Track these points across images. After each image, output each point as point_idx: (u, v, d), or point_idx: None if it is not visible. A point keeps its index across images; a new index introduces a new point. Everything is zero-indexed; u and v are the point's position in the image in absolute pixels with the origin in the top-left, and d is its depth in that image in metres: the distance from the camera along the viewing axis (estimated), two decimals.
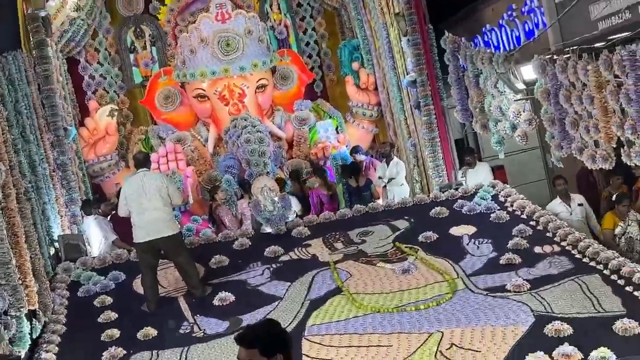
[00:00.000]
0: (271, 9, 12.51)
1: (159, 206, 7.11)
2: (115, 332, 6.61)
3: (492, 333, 5.74)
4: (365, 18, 11.39)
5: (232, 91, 11.22)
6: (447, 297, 6.46)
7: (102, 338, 6.53)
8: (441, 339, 5.79)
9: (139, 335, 6.50)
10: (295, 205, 9.55)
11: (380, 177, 10.27)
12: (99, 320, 6.94)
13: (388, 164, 10.25)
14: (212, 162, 11.22)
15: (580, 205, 8.27)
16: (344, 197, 10.10)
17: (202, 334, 6.47)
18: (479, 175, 9.35)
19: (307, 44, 12.76)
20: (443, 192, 9.00)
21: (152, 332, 6.54)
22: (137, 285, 7.52)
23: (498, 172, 10.10)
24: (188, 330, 6.57)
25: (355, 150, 11.02)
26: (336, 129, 11.72)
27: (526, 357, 5.28)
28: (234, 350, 3.00)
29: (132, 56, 12.14)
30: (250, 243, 8.30)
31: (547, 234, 7.53)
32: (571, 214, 8.17)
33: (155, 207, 7.10)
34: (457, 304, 6.37)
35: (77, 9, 10.03)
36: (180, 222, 9.17)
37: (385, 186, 10.04)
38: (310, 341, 6.04)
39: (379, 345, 5.85)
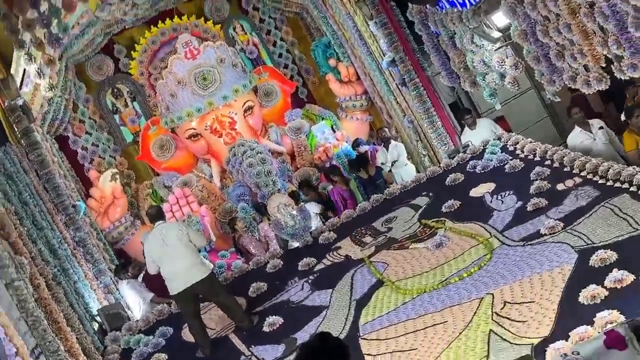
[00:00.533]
0: (236, 32, 12.53)
1: (184, 254, 7.10)
2: None
3: (540, 281, 5.69)
4: (328, 14, 11.36)
5: (221, 122, 11.22)
6: (486, 259, 6.41)
7: None
8: (493, 300, 5.75)
9: None
10: (315, 208, 9.55)
11: (382, 164, 10.26)
12: None
13: (387, 148, 10.25)
14: (222, 195, 11.22)
15: (600, 128, 8.06)
16: (359, 190, 10.09)
17: None
18: (483, 132, 9.30)
19: (280, 55, 12.76)
20: (452, 158, 8.96)
21: None
22: (187, 335, 7.50)
23: (499, 123, 10.07)
24: None
25: (356, 143, 11.03)
26: (332, 128, 11.71)
27: (580, 293, 5.24)
28: None
29: (116, 117, 12.17)
30: (282, 262, 8.32)
31: (565, 169, 7.45)
32: (594, 139, 8.01)
33: (181, 256, 7.09)
34: (498, 262, 6.32)
35: (51, 87, 10.04)
36: (209, 262, 9.17)
37: (390, 170, 10.02)
38: (368, 339, 6.02)
39: (434, 325, 5.82)
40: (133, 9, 11.16)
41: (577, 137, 8.11)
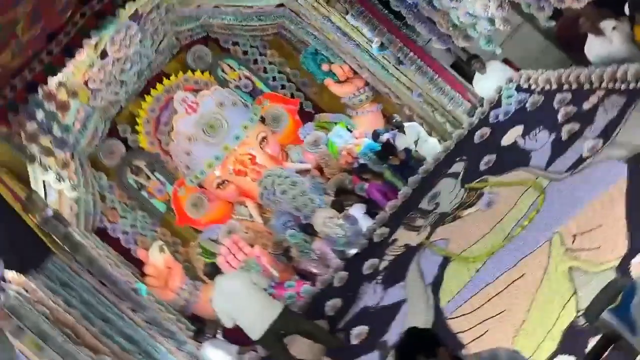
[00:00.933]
0: (225, 73, 12.58)
1: (253, 299, 7.10)
2: None
3: (600, 203, 5.60)
4: (304, 24, 11.37)
5: (242, 161, 11.26)
6: (540, 200, 6.32)
7: None
8: (561, 238, 5.67)
9: None
10: (360, 210, 9.50)
11: (407, 149, 10.17)
12: None
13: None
14: (268, 230, 11.22)
15: (614, 29, 7.55)
16: (396, 178, 10.00)
17: None
18: (493, 75, 9.14)
19: (274, 78, 12.77)
20: (473, 116, 8.87)
21: None
22: None
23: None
24: None
25: (376, 134, 10.95)
26: (347, 129, 11.68)
27: None
28: None
29: (144, 193, 12.25)
30: (347, 273, 8.26)
31: (585, 86, 7.35)
32: (611, 42, 7.69)
33: (251, 302, 7.09)
34: (553, 199, 6.23)
35: (74, 188, 10.16)
36: (278, 297, 9.17)
37: (416, 151, 9.94)
38: (455, 318, 5.96)
39: (514, 281, 5.75)
40: (123, 87, 11.26)
41: (593, 45, 7.68)
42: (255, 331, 7.10)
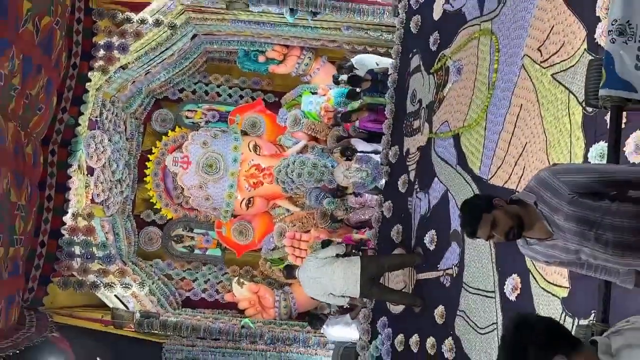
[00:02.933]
0: (190, 117, 12.57)
1: (333, 270, 7.14)
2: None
3: (541, 10, 5.57)
4: (221, 36, 11.40)
5: (252, 175, 11.32)
6: (495, 40, 6.29)
7: None
8: (530, 58, 5.66)
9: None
10: (365, 146, 9.48)
11: (369, 70, 10.06)
12: None
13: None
14: (308, 212, 11.27)
15: None
16: (376, 98, 9.76)
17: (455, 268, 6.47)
18: None
19: (230, 95, 12.76)
20: (398, 14, 8.78)
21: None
22: (398, 309, 7.54)
23: None
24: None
25: (335, 79, 10.88)
26: (313, 93, 11.66)
27: None
28: None
29: (197, 251, 12.36)
30: (390, 201, 8.22)
31: None
32: None
33: (334, 274, 7.14)
34: (503, 32, 6.19)
35: (142, 285, 10.29)
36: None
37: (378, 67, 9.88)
38: (494, 176, 5.98)
39: (518, 115, 5.75)
40: (122, 184, 11.35)
41: None
42: (353, 291, 7.19)
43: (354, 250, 8.02)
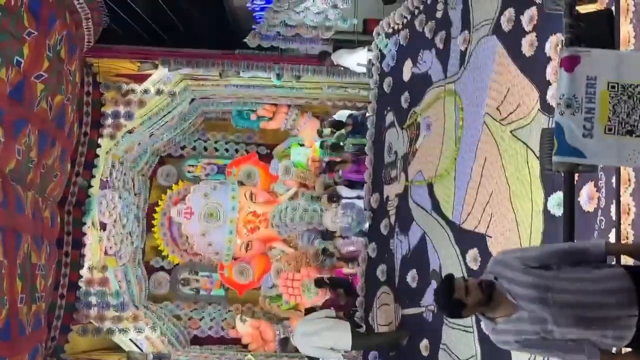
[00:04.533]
0: (192, 172, 12.58)
1: (325, 335, 7.10)
2: None
3: (498, 75, 5.67)
4: (216, 99, 11.50)
5: (249, 221, 11.31)
6: (459, 100, 6.37)
7: None
8: (491, 116, 5.73)
9: None
10: (350, 193, 9.47)
11: (350, 115, 10.09)
12: None
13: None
14: (301, 252, 11.22)
15: None
16: (357, 140, 9.71)
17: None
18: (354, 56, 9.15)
19: (227, 150, 12.79)
20: (372, 76, 8.82)
21: None
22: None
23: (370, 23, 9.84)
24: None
25: (319, 134, 10.91)
26: (301, 145, 11.72)
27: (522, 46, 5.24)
28: None
29: (202, 292, 12.25)
30: (374, 243, 8.17)
31: (428, 2, 7.38)
32: None
33: (325, 338, 7.09)
34: (466, 93, 6.28)
35: (154, 328, 10.17)
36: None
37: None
38: (465, 221, 6.01)
39: (483, 168, 5.80)
40: (133, 236, 11.29)
41: None
42: (345, 346, 7.12)
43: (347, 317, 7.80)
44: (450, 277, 2.96)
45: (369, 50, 8.81)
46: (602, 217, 4.16)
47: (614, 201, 4.03)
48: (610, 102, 3.29)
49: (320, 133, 10.89)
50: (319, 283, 9.14)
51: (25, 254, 6.87)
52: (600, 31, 3.45)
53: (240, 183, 11.86)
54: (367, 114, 8.99)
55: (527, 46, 5.22)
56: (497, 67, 5.70)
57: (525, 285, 2.86)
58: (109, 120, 9.63)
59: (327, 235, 9.80)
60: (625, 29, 3.92)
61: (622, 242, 3.82)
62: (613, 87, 3.31)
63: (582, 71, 3.34)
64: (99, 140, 9.59)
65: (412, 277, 6.97)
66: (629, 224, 3.87)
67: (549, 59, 4.94)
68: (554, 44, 4.90)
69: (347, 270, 9.43)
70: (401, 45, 8.05)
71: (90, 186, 9.45)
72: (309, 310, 8.03)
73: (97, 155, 9.54)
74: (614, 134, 3.28)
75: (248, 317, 11.33)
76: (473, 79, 6.09)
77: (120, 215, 10.77)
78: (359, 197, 9.14)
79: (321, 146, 10.27)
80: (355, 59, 9.04)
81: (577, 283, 2.84)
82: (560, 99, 3.35)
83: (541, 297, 2.81)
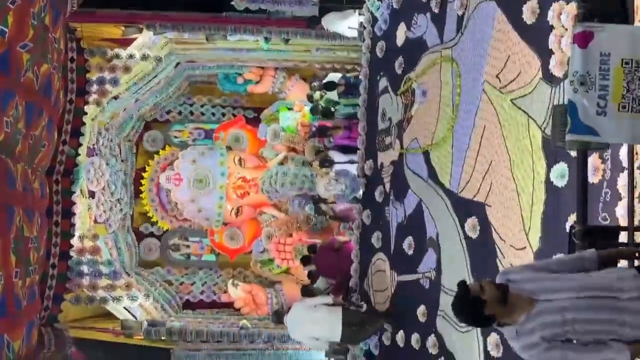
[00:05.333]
0: (178, 137, 12.40)
1: (317, 321, 7.16)
2: None
3: (497, 41, 5.62)
4: (202, 63, 11.27)
5: (239, 186, 11.22)
6: (456, 67, 6.30)
7: None
8: (490, 84, 5.68)
9: None
10: (342, 157, 9.43)
11: (342, 75, 9.95)
12: None
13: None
14: (292, 216, 11.21)
15: None
16: (350, 102, 9.61)
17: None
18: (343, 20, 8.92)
19: (213, 114, 12.59)
20: (364, 40, 8.67)
21: None
22: (381, 307, 7.55)
23: None
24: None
25: (310, 97, 10.79)
26: (289, 108, 11.58)
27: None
28: None
29: (193, 257, 12.22)
30: (368, 210, 8.16)
31: None
32: None
33: (316, 324, 7.16)
34: (463, 59, 6.22)
35: (147, 295, 10.17)
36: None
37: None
38: (464, 189, 6.01)
39: (482, 137, 5.78)
40: (121, 202, 11.20)
41: None
42: (335, 338, 7.18)
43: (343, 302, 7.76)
44: (462, 282, 2.99)
45: (360, 13, 8.64)
46: (607, 190, 4.17)
47: (620, 174, 4.04)
48: (625, 79, 3.27)
49: (310, 97, 10.76)
50: (312, 249, 9.19)
51: (18, 228, 6.76)
52: (613, 6, 3.39)
53: (228, 148, 11.73)
54: (360, 77, 8.89)
55: (529, 13, 5.14)
56: (497, 34, 5.62)
57: (537, 279, 2.96)
58: (95, 87, 9.41)
59: (318, 200, 9.77)
60: (637, 2, 3.86)
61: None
62: (627, 63, 3.28)
63: (595, 47, 3.31)
64: (85, 108, 9.38)
65: (408, 244, 7.00)
66: (636, 197, 3.88)
67: (552, 27, 4.88)
68: (557, 12, 4.83)
69: (339, 238, 9.46)
70: (394, 9, 7.91)
71: (77, 154, 9.29)
72: (305, 292, 8.05)
73: (84, 123, 9.34)
74: (628, 111, 3.26)
75: (240, 282, 11.37)
76: (471, 45, 6.01)
77: (108, 183, 10.65)
78: (351, 162, 9.11)
79: (312, 111, 10.15)
80: (346, 24, 8.87)
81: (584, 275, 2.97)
82: (573, 76, 3.31)
83: (555, 282, 2.89)
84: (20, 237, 6.83)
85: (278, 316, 7.54)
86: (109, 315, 9.94)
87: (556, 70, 4.79)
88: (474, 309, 2.88)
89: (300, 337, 7.33)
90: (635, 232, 3.54)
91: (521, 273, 3.03)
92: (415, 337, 6.60)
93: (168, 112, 12.47)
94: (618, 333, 2.83)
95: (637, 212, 3.80)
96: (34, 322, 7.48)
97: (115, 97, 10.14)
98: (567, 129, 3.29)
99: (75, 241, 9.43)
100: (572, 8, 4.57)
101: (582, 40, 3.32)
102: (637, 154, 3.93)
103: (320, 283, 8.23)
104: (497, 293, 2.88)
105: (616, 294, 2.87)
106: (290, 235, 10.77)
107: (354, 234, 8.33)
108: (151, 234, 12.21)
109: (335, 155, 9.47)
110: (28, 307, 7.17)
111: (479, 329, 5.48)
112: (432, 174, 6.61)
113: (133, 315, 9.71)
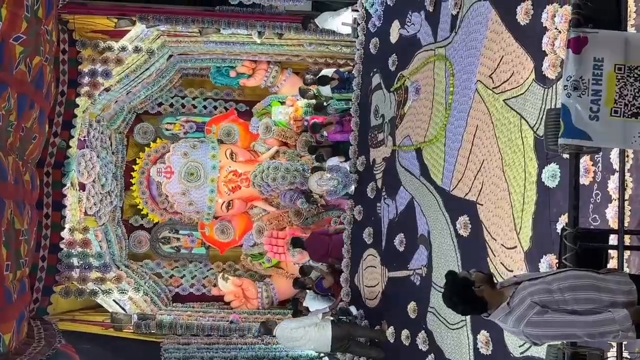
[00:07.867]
0: (169, 129, 12.35)
1: (307, 335, 7.22)
2: None
3: (490, 41, 5.65)
4: (195, 56, 11.24)
5: (230, 180, 11.22)
6: (449, 65, 6.35)
7: None
8: (483, 84, 5.73)
9: None
10: (335, 158, 9.46)
11: (335, 70, 9.98)
12: None
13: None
14: (283, 211, 11.24)
15: None
16: (343, 95, 9.62)
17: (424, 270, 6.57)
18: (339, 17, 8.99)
19: (205, 107, 12.52)
20: (358, 36, 8.69)
21: None
22: (371, 302, 7.62)
23: None
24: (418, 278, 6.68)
25: (302, 92, 10.80)
26: (281, 103, 11.58)
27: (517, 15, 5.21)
28: None
29: (183, 250, 12.19)
30: (360, 205, 8.24)
31: None
32: None
33: (306, 338, 7.22)
34: (457, 58, 6.26)
35: (137, 288, 10.18)
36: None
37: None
38: (455, 188, 6.07)
39: (474, 136, 5.83)
40: (112, 195, 11.17)
41: None
42: (324, 348, 7.27)
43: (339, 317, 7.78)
44: (450, 271, 3.13)
45: (354, 10, 8.66)
46: (598, 191, 4.24)
47: (611, 176, 4.11)
48: (617, 85, 3.32)
49: (303, 94, 10.75)
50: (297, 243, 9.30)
51: (9, 221, 6.76)
52: (607, 11, 3.44)
53: (220, 141, 11.73)
54: (353, 73, 8.92)
55: (523, 14, 5.19)
56: (490, 34, 5.67)
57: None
58: (86, 79, 9.39)
59: (309, 195, 9.80)
60: (630, 8, 3.92)
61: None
62: (620, 68, 3.34)
63: (589, 53, 3.36)
64: (77, 100, 9.35)
65: (399, 240, 7.06)
66: (625, 199, 3.95)
67: (545, 29, 4.93)
68: (551, 13, 4.88)
69: (331, 229, 9.48)
70: (388, 5, 7.93)
71: (68, 146, 9.27)
72: (297, 285, 8.06)
73: (75, 115, 9.32)
74: (620, 116, 3.32)
75: (230, 275, 11.39)
76: (465, 44, 6.05)
77: (99, 175, 10.62)
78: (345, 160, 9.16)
79: (302, 94, 10.13)
80: (340, 20, 8.89)
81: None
82: (567, 80, 3.36)
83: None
84: (11, 229, 6.84)
85: (266, 328, 7.57)
86: (99, 308, 9.95)
87: (549, 72, 4.84)
88: (465, 290, 3.00)
89: (290, 347, 7.42)
90: (625, 235, 3.61)
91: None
92: (405, 333, 6.67)
93: (160, 105, 12.41)
94: (600, 300, 2.92)
95: (627, 214, 3.87)
96: (24, 315, 7.49)
97: (107, 89, 10.11)
98: (560, 132, 3.34)
99: (65, 233, 9.43)
100: (566, 10, 4.62)
101: (576, 45, 3.37)
102: (627, 156, 4.00)
103: (313, 274, 8.29)
104: (485, 276, 3.06)
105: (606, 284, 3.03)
106: (283, 229, 10.80)
107: (346, 228, 8.37)
108: (141, 227, 12.18)
109: (332, 159, 9.43)
110: (18, 299, 7.17)
111: (469, 326, 5.56)
112: (424, 172, 6.65)
113: (122, 308, 9.72)
